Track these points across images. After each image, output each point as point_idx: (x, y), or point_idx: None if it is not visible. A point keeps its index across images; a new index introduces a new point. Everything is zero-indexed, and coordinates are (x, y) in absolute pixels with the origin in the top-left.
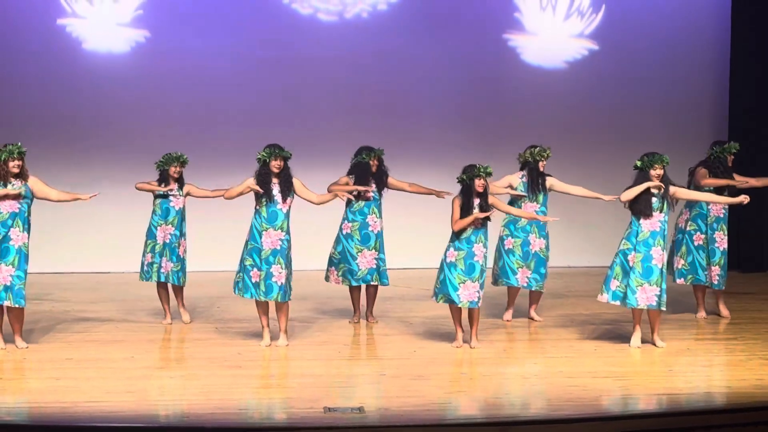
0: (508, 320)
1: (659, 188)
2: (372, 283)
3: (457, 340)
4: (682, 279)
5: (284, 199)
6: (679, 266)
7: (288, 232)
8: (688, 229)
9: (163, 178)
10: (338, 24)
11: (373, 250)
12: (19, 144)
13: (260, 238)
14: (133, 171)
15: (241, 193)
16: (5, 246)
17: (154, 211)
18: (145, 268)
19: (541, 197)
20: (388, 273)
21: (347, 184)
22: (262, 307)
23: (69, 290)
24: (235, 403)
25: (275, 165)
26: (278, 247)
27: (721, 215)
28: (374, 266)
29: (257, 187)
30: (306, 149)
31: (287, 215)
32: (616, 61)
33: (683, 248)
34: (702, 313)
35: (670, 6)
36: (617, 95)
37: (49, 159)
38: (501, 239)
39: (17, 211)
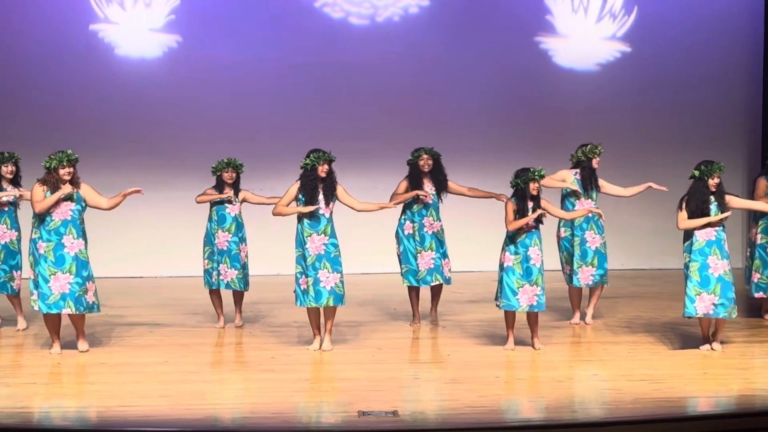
0: (576, 323)
1: (720, 222)
2: (433, 283)
3: (509, 343)
4: (761, 292)
5: (327, 204)
6: (756, 280)
7: (333, 236)
8: (759, 242)
9: (219, 184)
10: (370, 27)
11: (429, 251)
12: (70, 151)
13: (306, 244)
14: (165, 175)
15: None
16: (60, 254)
17: (210, 218)
18: (205, 275)
19: (594, 194)
20: (446, 273)
21: (406, 189)
22: (313, 312)
23: (102, 295)
24: (269, 407)
25: (322, 170)
26: (323, 252)
27: None
28: (432, 266)
29: (309, 209)
30: (337, 153)
31: (330, 220)
32: (648, 63)
33: (757, 261)
34: None
35: (703, 7)
36: (650, 97)
37: (81, 163)
38: (566, 239)
39: (69, 218)
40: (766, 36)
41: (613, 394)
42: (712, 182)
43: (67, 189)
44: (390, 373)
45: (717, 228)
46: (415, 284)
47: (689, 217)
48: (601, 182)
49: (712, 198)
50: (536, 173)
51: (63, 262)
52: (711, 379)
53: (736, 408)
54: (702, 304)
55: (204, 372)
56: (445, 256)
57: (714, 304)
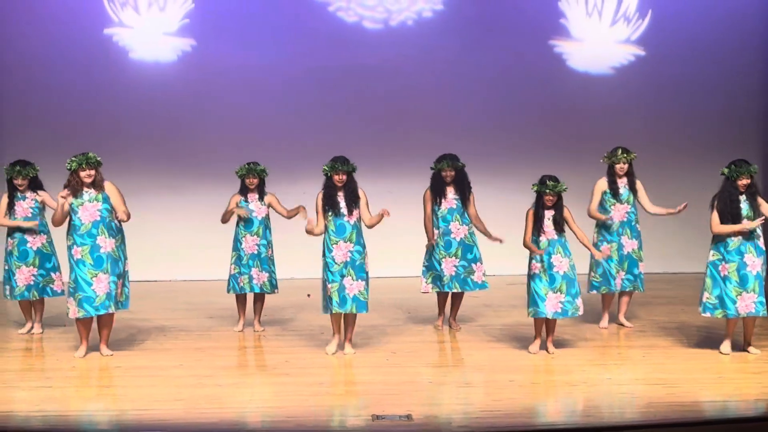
0: (604, 327)
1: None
2: (453, 290)
3: (534, 346)
4: None
5: (350, 212)
6: None
7: (359, 243)
8: None
9: (243, 188)
10: (383, 31)
11: (454, 258)
12: (91, 154)
13: (332, 252)
14: (179, 178)
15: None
16: (98, 255)
17: (237, 222)
18: (231, 280)
19: (630, 198)
20: (471, 278)
21: (430, 200)
22: (335, 317)
23: None
24: (284, 411)
25: (337, 179)
26: (348, 259)
27: None
28: (454, 273)
29: (320, 230)
30: (351, 157)
31: (355, 227)
32: (662, 67)
33: None
34: None
35: (717, 11)
36: (664, 101)
37: None
38: (596, 245)
39: (99, 218)
40: None
41: (627, 398)
42: (741, 183)
43: (68, 201)
44: (404, 377)
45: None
46: (440, 289)
47: (720, 218)
48: (638, 186)
49: (742, 198)
50: (551, 187)
51: (102, 263)
52: (726, 383)
53: (752, 413)
54: (743, 303)
55: (219, 376)
56: (475, 260)
57: (755, 302)
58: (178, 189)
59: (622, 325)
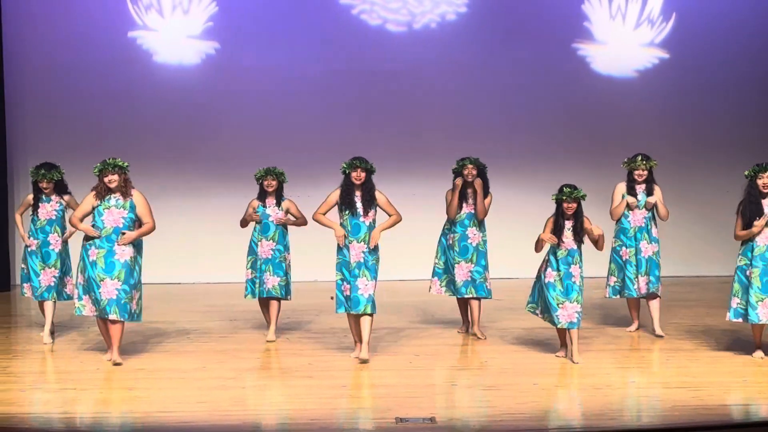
0: (631, 331)
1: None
2: (466, 296)
3: (561, 351)
4: None
5: (366, 212)
6: None
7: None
8: None
9: (261, 192)
10: (407, 34)
11: (470, 263)
12: (118, 159)
13: (347, 251)
14: (202, 181)
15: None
16: (111, 261)
17: (254, 226)
18: (248, 284)
19: (647, 203)
20: (487, 285)
21: (450, 200)
22: (353, 320)
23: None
24: (307, 413)
25: (355, 177)
26: (362, 260)
27: None
28: (469, 279)
29: (342, 236)
30: (374, 160)
31: (370, 227)
32: (687, 70)
33: None
34: None
35: (741, 13)
36: (688, 104)
37: None
38: (615, 250)
39: (121, 225)
40: None
41: (651, 402)
42: (761, 183)
43: (73, 231)
44: (427, 380)
45: None
46: (452, 294)
47: (744, 223)
48: (656, 193)
49: (765, 202)
50: (568, 194)
51: (113, 269)
52: (750, 387)
53: None
54: (765, 310)
55: (241, 378)
56: (487, 268)
57: None
58: (201, 191)
59: (659, 336)
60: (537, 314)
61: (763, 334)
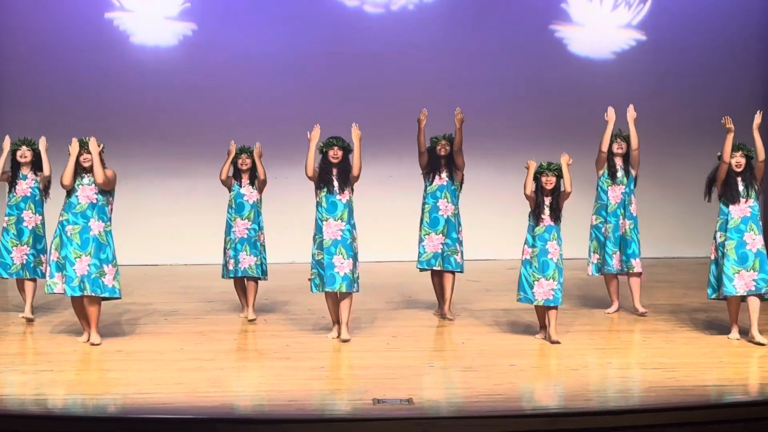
0: (610, 313)
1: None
2: (435, 268)
3: (540, 333)
4: None
5: (342, 190)
6: None
7: (349, 223)
8: None
9: (236, 171)
10: (384, 16)
11: (441, 235)
12: (87, 138)
13: (322, 229)
14: (180, 162)
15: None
16: (86, 237)
17: (229, 206)
18: (224, 265)
19: (624, 180)
20: (456, 258)
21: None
22: (331, 300)
23: None
24: (284, 395)
25: (332, 155)
26: (339, 238)
27: None
28: (439, 251)
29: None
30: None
31: (347, 205)
32: (664, 52)
33: None
34: None
35: None
36: (665, 86)
37: None
38: (597, 227)
39: (95, 201)
40: None
41: (628, 383)
42: (734, 161)
43: (75, 148)
44: (405, 361)
45: (751, 204)
46: (419, 267)
47: (720, 201)
48: (633, 161)
49: (739, 180)
50: (544, 167)
51: (87, 245)
52: (726, 368)
53: (752, 396)
54: (742, 281)
55: (219, 360)
56: (458, 242)
57: (755, 280)
58: (177, 173)
59: (642, 314)
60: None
61: (740, 314)
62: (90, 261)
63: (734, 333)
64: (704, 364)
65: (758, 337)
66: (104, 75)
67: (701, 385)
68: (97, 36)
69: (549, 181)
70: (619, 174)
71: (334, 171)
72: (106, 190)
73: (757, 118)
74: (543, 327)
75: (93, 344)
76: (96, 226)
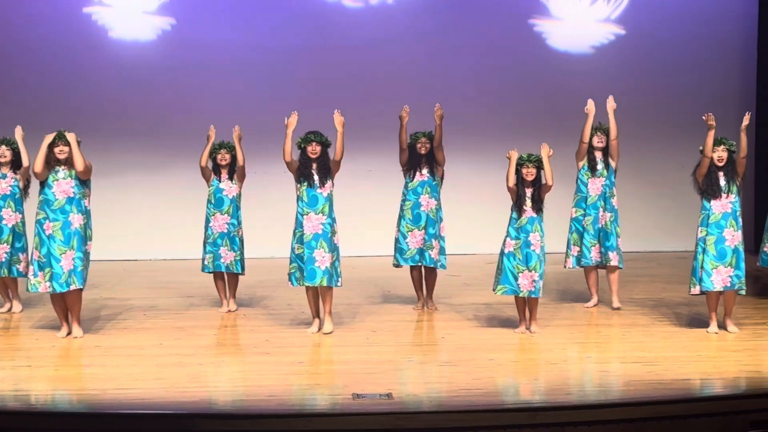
0: (589, 307)
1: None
2: (419, 263)
3: (520, 327)
4: None
5: (323, 184)
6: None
7: (330, 216)
8: None
9: (215, 167)
10: (363, 10)
11: (423, 231)
12: (63, 130)
13: (303, 223)
14: (159, 158)
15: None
16: (68, 232)
17: (208, 200)
18: (205, 261)
19: (604, 172)
20: (429, 253)
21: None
22: (312, 295)
23: (97, 278)
24: (264, 390)
25: (310, 150)
26: (320, 231)
27: None
28: (422, 246)
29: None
30: (332, 136)
31: (328, 199)
32: (643, 46)
33: None
34: None
35: None
36: (644, 81)
37: None
38: (577, 219)
39: (72, 195)
40: (761, 16)
41: (607, 377)
42: (716, 156)
43: (49, 137)
44: (384, 356)
45: (732, 200)
46: (403, 263)
47: (702, 196)
48: (612, 146)
49: (721, 174)
50: (525, 158)
51: (70, 240)
52: (705, 362)
53: (729, 390)
54: (719, 277)
55: (199, 355)
56: (434, 237)
57: (730, 276)
58: (157, 168)
59: (616, 308)
60: (498, 292)
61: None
62: (74, 255)
63: (713, 327)
64: (683, 358)
65: (730, 327)
66: (82, 70)
67: (680, 378)
68: (75, 31)
69: (530, 173)
70: (599, 167)
71: (314, 165)
72: (83, 180)
73: (746, 120)
74: (523, 321)
75: (76, 337)
76: (76, 220)
